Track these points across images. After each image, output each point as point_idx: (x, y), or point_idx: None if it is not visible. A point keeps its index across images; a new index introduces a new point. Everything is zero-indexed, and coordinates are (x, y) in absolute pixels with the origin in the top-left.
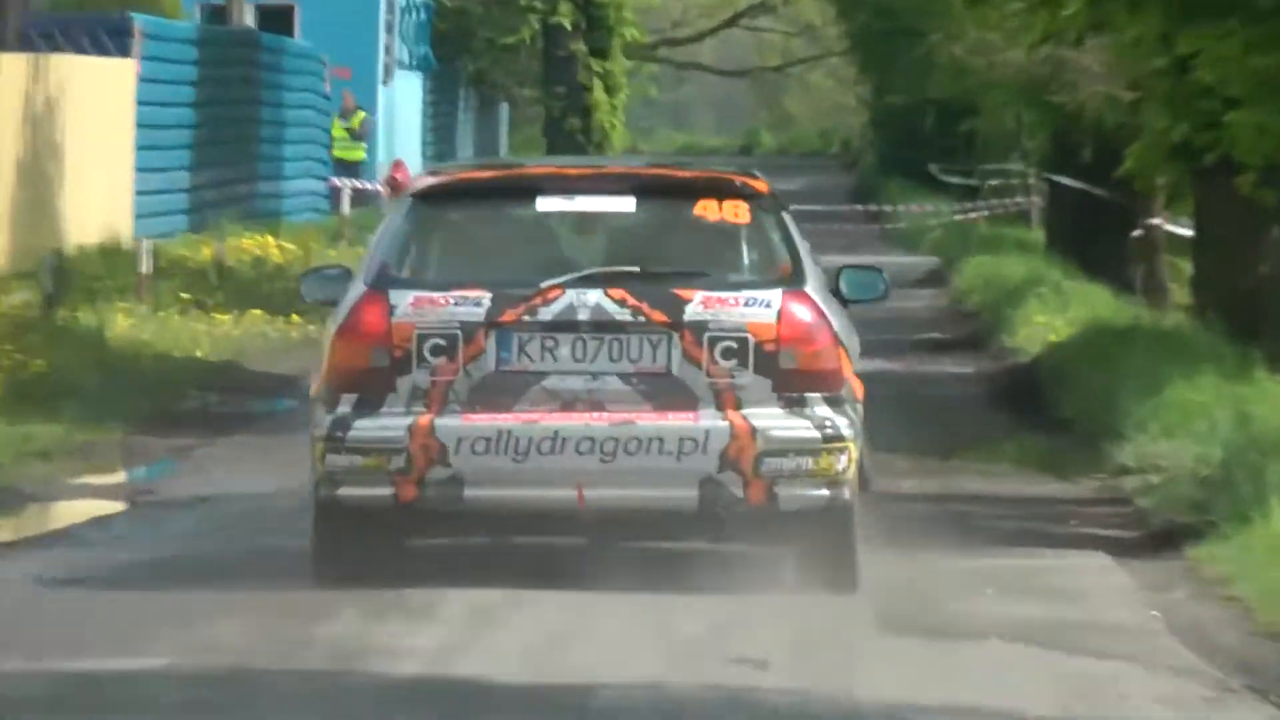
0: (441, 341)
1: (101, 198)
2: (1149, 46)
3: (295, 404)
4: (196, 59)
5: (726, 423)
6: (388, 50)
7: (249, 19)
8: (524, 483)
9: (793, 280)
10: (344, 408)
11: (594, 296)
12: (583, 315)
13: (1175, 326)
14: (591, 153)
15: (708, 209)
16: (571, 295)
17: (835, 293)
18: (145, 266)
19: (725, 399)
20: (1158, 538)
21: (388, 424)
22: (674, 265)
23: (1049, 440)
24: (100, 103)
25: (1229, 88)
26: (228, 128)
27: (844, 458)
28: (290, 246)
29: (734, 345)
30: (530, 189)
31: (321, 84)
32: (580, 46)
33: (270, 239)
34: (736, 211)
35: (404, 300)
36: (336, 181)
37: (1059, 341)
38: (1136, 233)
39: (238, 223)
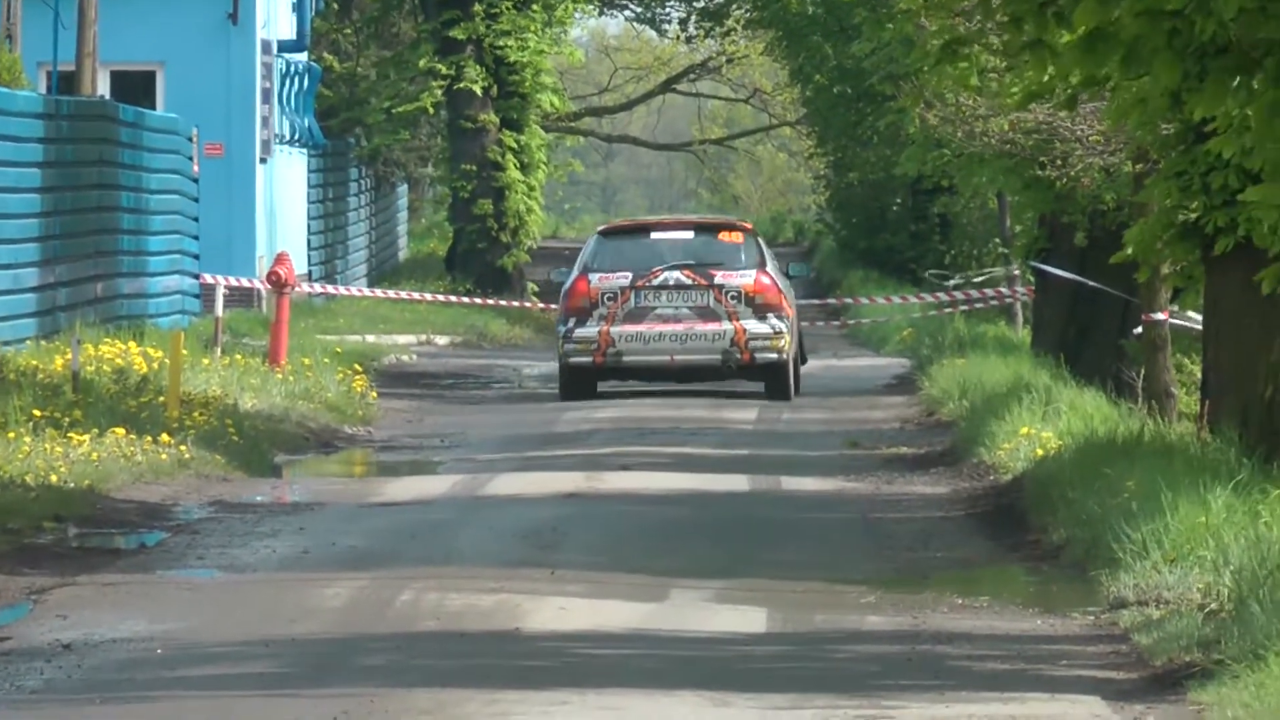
0: (611, 295)
1: None
2: (1155, 108)
3: (167, 535)
4: (42, 135)
5: (732, 326)
6: (266, 123)
7: (103, 87)
8: (648, 354)
9: (760, 265)
10: (570, 324)
11: (676, 274)
12: (671, 282)
13: (1182, 438)
14: (505, 240)
15: (724, 236)
16: (666, 273)
17: (785, 273)
18: None
19: (732, 316)
20: (1159, 679)
21: (589, 330)
22: (710, 259)
23: (1035, 570)
24: None
25: (1249, 159)
26: (81, 216)
27: (784, 340)
28: (157, 354)
29: (736, 293)
30: (648, 228)
31: (190, 163)
32: (491, 117)
33: (134, 346)
34: (737, 237)
35: (595, 277)
36: (210, 278)
37: (1047, 456)
38: (1137, 330)
39: (96, 327)
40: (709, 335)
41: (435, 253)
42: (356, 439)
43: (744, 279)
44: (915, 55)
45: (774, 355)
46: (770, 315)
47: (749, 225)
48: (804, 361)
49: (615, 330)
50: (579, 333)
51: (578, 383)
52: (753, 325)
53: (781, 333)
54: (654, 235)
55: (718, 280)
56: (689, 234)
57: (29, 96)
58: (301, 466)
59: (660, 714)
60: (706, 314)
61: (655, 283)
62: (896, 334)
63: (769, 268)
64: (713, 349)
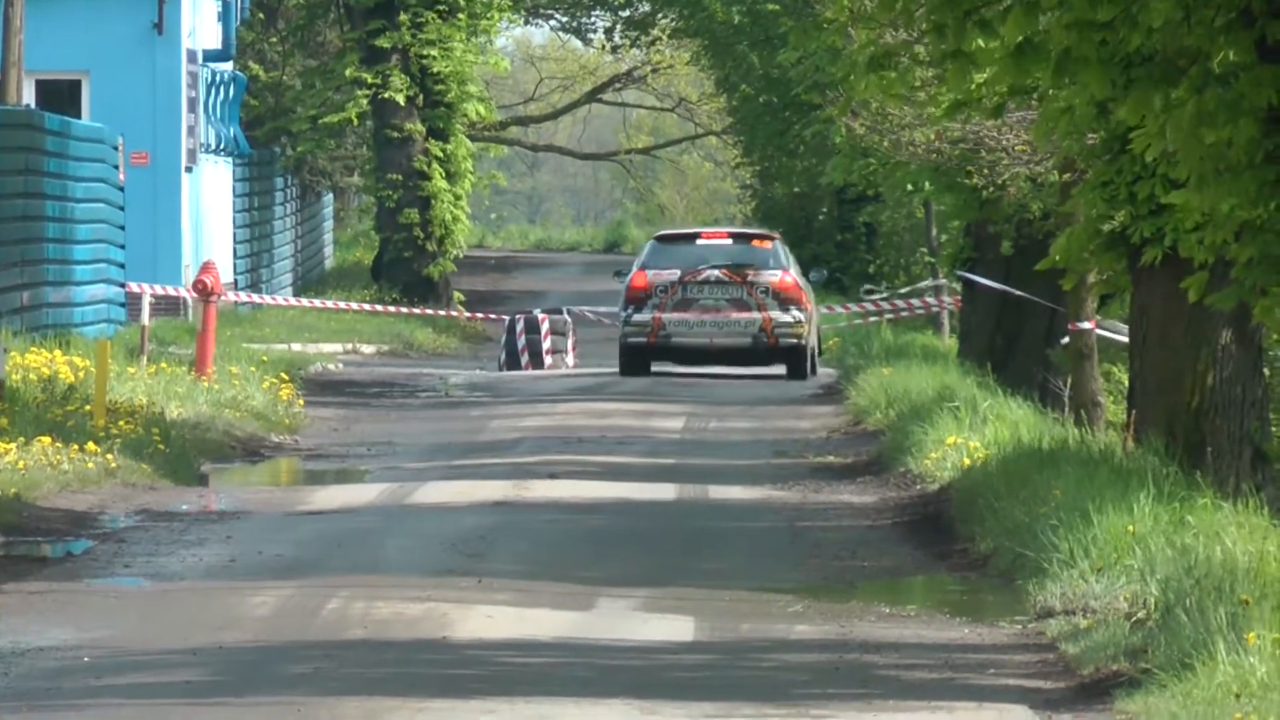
0: (664, 287)
1: None
2: (1082, 117)
3: (93, 544)
4: None
5: (761, 316)
6: (191, 132)
7: (29, 96)
8: (692, 336)
9: (785, 267)
10: (630, 310)
11: (716, 272)
12: (713, 278)
13: (1108, 447)
14: (431, 249)
15: (757, 243)
16: (709, 271)
17: (806, 276)
18: None
19: (761, 307)
20: (1086, 689)
21: (645, 315)
22: (744, 261)
23: (962, 579)
24: None
25: (1174, 168)
26: (6, 225)
27: (804, 328)
28: (83, 363)
29: (765, 289)
30: (696, 235)
31: (116, 172)
32: (416, 126)
33: (60, 355)
34: (766, 243)
35: (652, 272)
36: (136, 287)
37: (974, 466)
38: (1064, 340)
39: (22, 336)
40: (742, 322)
41: (361, 262)
42: (283, 447)
43: (771, 277)
44: (841, 65)
45: (795, 340)
46: (792, 308)
47: (776, 235)
48: (820, 354)
49: (666, 316)
50: (636, 318)
51: (634, 360)
52: (778, 315)
53: (801, 322)
54: (700, 241)
55: (750, 278)
56: (728, 240)
57: None
58: (228, 475)
59: None
60: (740, 305)
61: (699, 278)
62: (823, 343)
63: (792, 270)
64: (745, 333)
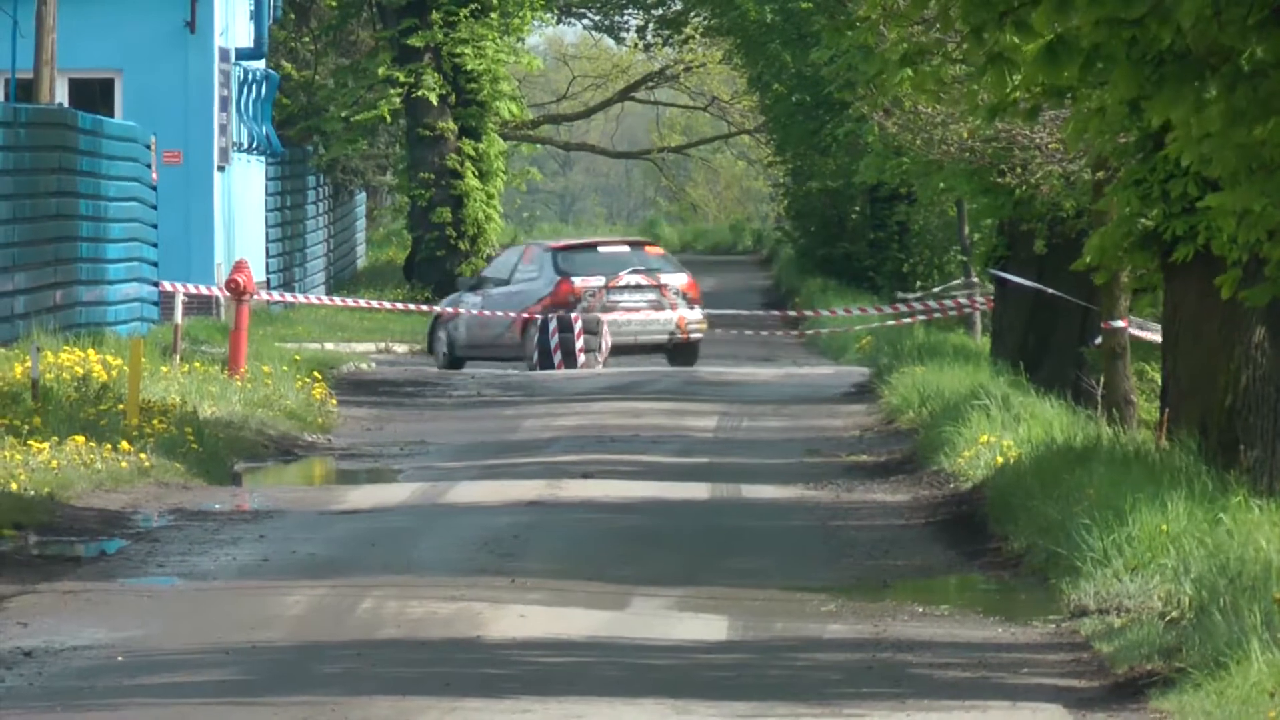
0: (591, 291)
1: None
2: (1115, 118)
3: (127, 543)
4: (1, 143)
5: (675, 314)
6: (224, 131)
7: (62, 95)
8: (620, 335)
9: (684, 270)
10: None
11: (635, 277)
12: (631, 283)
13: (1141, 446)
14: (464, 248)
15: (648, 249)
16: (628, 276)
17: None
18: None
19: (673, 307)
20: (1121, 688)
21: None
22: (652, 266)
23: (996, 578)
24: None
25: (1208, 166)
26: (40, 224)
27: (705, 324)
28: (116, 361)
29: (676, 289)
30: (595, 244)
31: (149, 170)
32: (449, 125)
33: (93, 353)
34: (658, 250)
35: (577, 280)
36: (169, 286)
37: (1007, 464)
38: (1097, 339)
39: (55, 335)
40: (660, 321)
41: (394, 260)
42: (316, 447)
43: (679, 280)
44: (874, 63)
45: (700, 335)
46: (696, 306)
47: (658, 242)
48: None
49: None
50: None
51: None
52: (688, 314)
53: (703, 319)
54: (600, 250)
55: (663, 281)
56: (625, 248)
57: None
58: (261, 474)
59: None
60: (657, 305)
61: (620, 283)
62: (855, 342)
63: (687, 272)
64: (663, 330)
